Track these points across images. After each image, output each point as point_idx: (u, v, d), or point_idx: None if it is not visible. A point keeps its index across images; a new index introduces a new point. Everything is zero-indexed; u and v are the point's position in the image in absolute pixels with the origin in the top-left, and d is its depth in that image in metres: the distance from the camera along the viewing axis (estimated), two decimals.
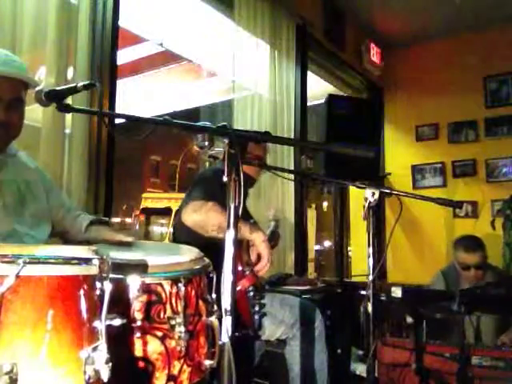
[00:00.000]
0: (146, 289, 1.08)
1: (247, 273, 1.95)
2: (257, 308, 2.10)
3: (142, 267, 1.09)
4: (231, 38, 3.50)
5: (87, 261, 0.85)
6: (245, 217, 2.43)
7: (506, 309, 2.40)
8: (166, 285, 1.11)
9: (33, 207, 1.56)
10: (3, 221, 1.46)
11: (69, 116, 2.35)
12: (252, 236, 1.99)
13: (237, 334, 1.18)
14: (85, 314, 0.83)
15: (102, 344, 0.83)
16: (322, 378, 2.31)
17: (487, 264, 2.98)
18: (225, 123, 1.25)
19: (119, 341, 0.98)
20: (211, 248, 1.57)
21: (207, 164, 3.02)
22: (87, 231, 1.66)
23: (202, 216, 2.03)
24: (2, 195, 1.49)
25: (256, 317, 2.08)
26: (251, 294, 1.94)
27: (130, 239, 1.46)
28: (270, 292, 2.47)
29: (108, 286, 0.87)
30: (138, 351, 1.06)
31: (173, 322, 1.09)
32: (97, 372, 0.81)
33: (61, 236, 1.72)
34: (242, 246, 1.99)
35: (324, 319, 2.75)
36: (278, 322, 2.24)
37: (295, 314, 2.28)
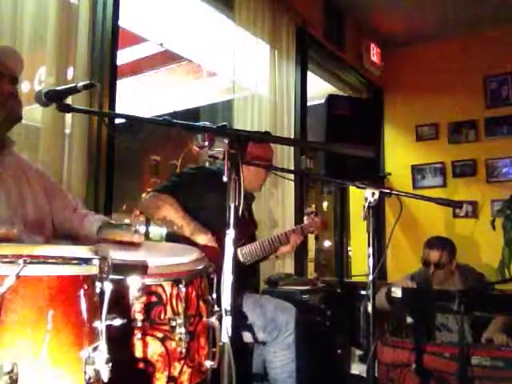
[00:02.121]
0: (147, 290, 1.08)
1: None
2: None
3: (142, 268, 1.09)
4: (231, 38, 3.50)
5: (87, 261, 0.85)
6: (249, 224, 2.42)
7: (506, 308, 2.40)
8: (167, 286, 1.11)
9: (34, 207, 1.56)
10: (6, 219, 1.46)
11: (69, 116, 2.34)
12: (193, 237, 2.00)
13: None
14: (85, 314, 0.83)
15: (102, 344, 0.83)
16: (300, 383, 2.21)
17: (451, 266, 2.95)
18: (225, 123, 1.25)
19: (120, 342, 0.98)
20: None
21: (207, 164, 3.02)
22: (98, 235, 1.61)
23: (152, 204, 2.11)
24: (6, 193, 1.49)
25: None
26: None
27: (140, 239, 1.46)
28: (249, 293, 2.42)
29: (108, 286, 0.87)
30: (139, 352, 1.05)
31: (173, 323, 1.09)
32: (97, 372, 0.81)
33: (70, 237, 1.70)
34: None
35: (324, 319, 2.74)
36: (251, 325, 2.18)
37: (266, 318, 2.18)
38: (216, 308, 1.23)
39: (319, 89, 4.89)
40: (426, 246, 3.02)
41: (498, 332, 2.62)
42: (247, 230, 2.43)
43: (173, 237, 2.15)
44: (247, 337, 2.19)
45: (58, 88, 1.19)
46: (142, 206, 2.18)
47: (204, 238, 2.02)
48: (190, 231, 2.02)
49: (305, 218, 2.69)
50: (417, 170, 5.27)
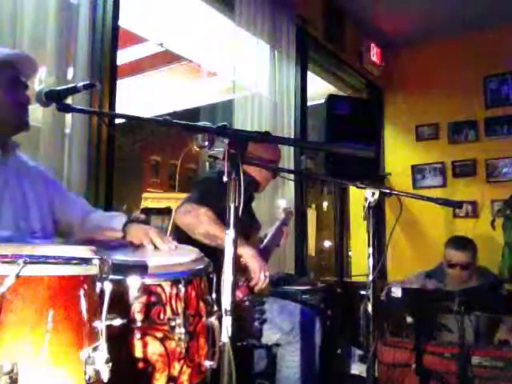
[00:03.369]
0: (146, 290, 1.08)
1: (240, 284, 1.95)
2: (257, 315, 2.09)
3: (141, 268, 1.09)
4: (231, 38, 3.50)
5: (87, 261, 0.85)
6: (250, 221, 2.43)
7: (506, 308, 2.40)
8: (166, 286, 1.11)
9: (37, 207, 1.57)
10: (11, 219, 1.47)
11: (69, 116, 2.34)
12: (239, 251, 1.97)
13: (240, 343, 1.18)
14: (85, 314, 0.83)
15: (102, 344, 0.83)
16: None
17: (474, 267, 2.95)
18: (225, 123, 1.25)
19: (119, 342, 0.98)
20: (211, 248, 1.56)
21: (207, 164, 3.03)
22: (126, 230, 1.57)
23: (192, 219, 2.03)
24: (10, 193, 1.50)
25: (256, 324, 2.08)
26: (247, 303, 1.94)
27: (173, 244, 1.44)
28: (271, 296, 2.45)
29: (108, 286, 0.87)
30: (138, 352, 1.05)
31: (173, 323, 1.09)
32: (97, 372, 0.81)
33: (69, 234, 1.70)
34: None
35: (324, 319, 2.74)
36: (276, 329, 2.21)
37: (293, 322, 2.24)
38: (215, 308, 1.23)
39: (319, 89, 4.89)
40: (450, 248, 2.97)
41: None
42: (254, 231, 2.44)
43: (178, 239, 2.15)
44: (266, 339, 2.21)
45: (58, 88, 1.19)
46: (180, 221, 2.08)
47: (249, 250, 1.98)
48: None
49: (280, 211, 2.75)
50: (417, 170, 5.26)
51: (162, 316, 1.09)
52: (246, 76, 3.53)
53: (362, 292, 2.78)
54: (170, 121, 1.21)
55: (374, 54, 5.16)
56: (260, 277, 1.97)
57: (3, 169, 1.52)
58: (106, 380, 0.82)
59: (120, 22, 2.64)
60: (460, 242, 3.00)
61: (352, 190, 4.61)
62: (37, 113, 2.18)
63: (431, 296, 2.60)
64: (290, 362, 2.23)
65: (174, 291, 1.12)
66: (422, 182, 5.23)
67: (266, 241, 2.52)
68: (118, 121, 2.91)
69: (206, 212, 2.02)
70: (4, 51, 1.57)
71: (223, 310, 1.16)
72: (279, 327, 2.21)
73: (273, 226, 2.65)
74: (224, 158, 1.20)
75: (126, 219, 1.61)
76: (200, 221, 2.02)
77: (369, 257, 1.82)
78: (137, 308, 1.06)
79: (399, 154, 5.39)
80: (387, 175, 5.29)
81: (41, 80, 2.26)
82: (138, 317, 1.06)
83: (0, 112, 1.47)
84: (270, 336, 2.21)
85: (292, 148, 3.84)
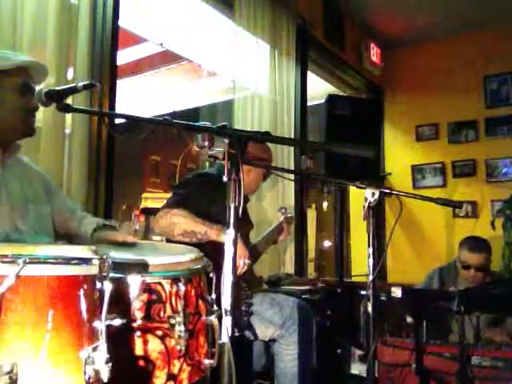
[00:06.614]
0: (146, 288, 1.08)
1: None
2: (244, 307, 2.09)
3: (142, 266, 1.09)
4: (231, 38, 3.50)
5: (87, 261, 0.86)
6: (242, 218, 2.43)
7: (506, 309, 2.40)
8: (166, 284, 1.11)
9: (35, 207, 1.57)
10: (8, 219, 1.47)
11: (69, 116, 2.34)
12: (220, 238, 1.97)
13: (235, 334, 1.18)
14: (85, 314, 0.84)
15: (102, 344, 0.84)
16: (307, 379, 2.27)
17: (489, 269, 2.95)
18: (225, 123, 1.25)
19: (119, 340, 0.98)
20: (206, 248, 1.56)
21: (207, 164, 3.02)
22: (92, 237, 1.63)
23: (167, 222, 2.04)
24: (8, 193, 1.50)
25: (244, 317, 2.08)
26: None
27: (133, 239, 1.46)
28: (262, 292, 2.45)
29: (108, 286, 0.87)
30: (138, 350, 1.06)
31: (173, 321, 1.09)
32: (97, 372, 0.81)
33: (68, 238, 1.71)
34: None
35: (324, 319, 2.74)
36: (267, 323, 2.21)
37: (284, 315, 2.24)
38: (215, 307, 1.23)
39: (319, 89, 4.89)
40: (465, 249, 2.94)
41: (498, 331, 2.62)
42: (245, 230, 2.43)
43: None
44: (261, 335, 2.22)
45: (58, 88, 1.19)
46: (157, 227, 2.10)
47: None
48: (216, 233, 1.97)
49: (279, 214, 2.75)
50: (417, 170, 5.27)
51: (161, 314, 1.09)
52: (245, 76, 3.52)
53: (362, 292, 2.79)
54: (170, 121, 1.21)
55: (374, 54, 5.16)
56: (239, 263, 1.95)
57: (3, 169, 1.52)
58: (105, 380, 0.82)
59: (120, 22, 2.64)
60: (475, 244, 2.96)
61: (352, 190, 4.61)
62: (37, 113, 2.18)
63: (431, 296, 2.60)
64: (286, 355, 2.23)
65: (174, 289, 1.12)
66: (421, 182, 5.23)
67: (256, 240, 2.52)
68: (117, 121, 2.91)
69: (178, 211, 2.03)
70: (20, 57, 1.59)
71: (223, 310, 1.16)
72: (270, 321, 2.22)
73: (268, 229, 2.66)
74: (224, 158, 1.20)
75: (94, 226, 1.65)
76: (174, 222, 2.03)
77: (369, 257, 1.82)
78: (137, 306, 1.06)
79: (399, 154, 5.39)
80: (387, 175, 5.30)
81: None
82: (138, 314, 1.06)
83: (10, 116, 1.48)
84: (263, 332, 2.22)
85: (292, 148, 3.84)
